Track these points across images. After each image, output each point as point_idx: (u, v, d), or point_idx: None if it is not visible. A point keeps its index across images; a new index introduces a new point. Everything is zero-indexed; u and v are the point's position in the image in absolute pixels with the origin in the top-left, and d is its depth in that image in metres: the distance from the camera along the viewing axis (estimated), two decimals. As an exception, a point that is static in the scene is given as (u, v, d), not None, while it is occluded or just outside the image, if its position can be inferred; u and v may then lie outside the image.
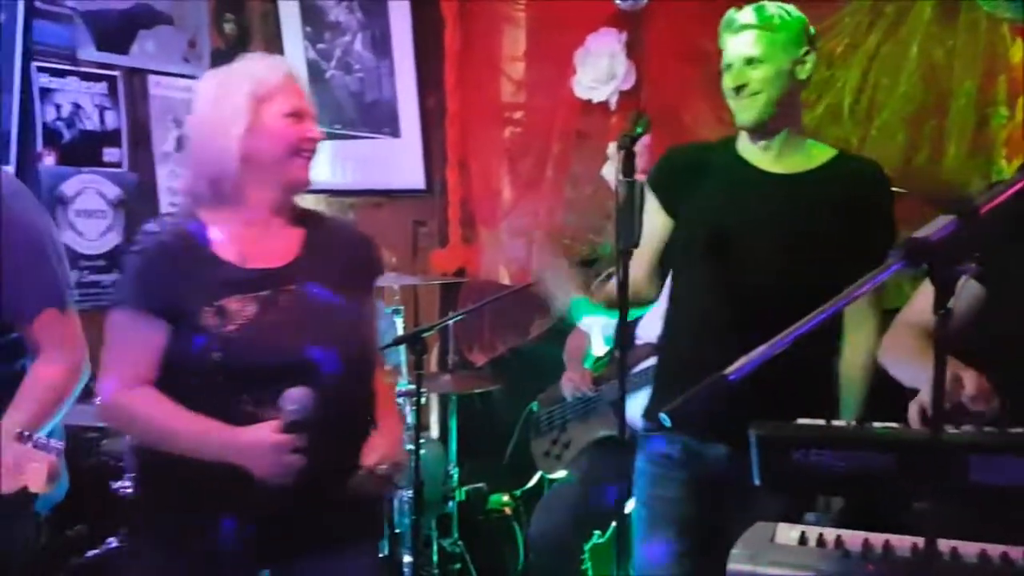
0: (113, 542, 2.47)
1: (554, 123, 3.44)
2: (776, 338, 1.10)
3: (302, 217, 1.73)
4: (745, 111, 1.90)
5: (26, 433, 1.45)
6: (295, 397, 1.52)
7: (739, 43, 1.89)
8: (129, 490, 2.50)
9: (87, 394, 3.01)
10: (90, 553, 2.45)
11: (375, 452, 1.65)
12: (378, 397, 1.76)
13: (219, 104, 1.64)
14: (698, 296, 1.96)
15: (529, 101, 3.55)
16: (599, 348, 2.96)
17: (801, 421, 1.31)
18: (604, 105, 3.37)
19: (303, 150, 1.66)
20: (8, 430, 1.49)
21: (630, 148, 1.67)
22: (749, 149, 1.96)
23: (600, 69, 3.35)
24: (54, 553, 2.63)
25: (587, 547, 2.95)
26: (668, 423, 1.19)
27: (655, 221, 1.99)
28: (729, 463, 1.86)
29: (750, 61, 1.88)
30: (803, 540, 1.34)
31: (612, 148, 3.18)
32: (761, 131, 1.92)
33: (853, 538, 1.33)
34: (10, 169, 3.06)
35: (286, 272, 1.65)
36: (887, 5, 2.73)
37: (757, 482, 1.23)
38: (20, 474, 1.42)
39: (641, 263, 2.00)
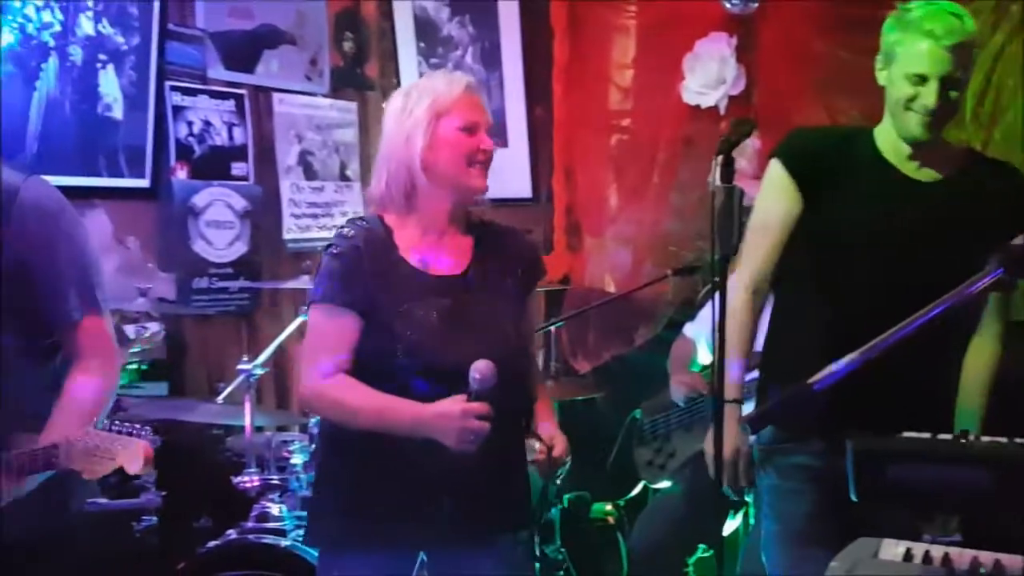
0: (232, 534, 2.60)
1: (661, 130, 3.43)
2: (866, 346, 1.07)
3: (472, 224, 1.86)
4: (925, 129, 1.79)
5: (116, 422, 1.56)
6: (482, 368, 1.65)
7: (943, 58, 1.74)
8: (256, 483, 2.64)
9: (212, 393, 3.21)
10: (211, 544, 2.58)
11: (555, 440, 1.81)
12: (540, 399, 1.91)
13: (402, 120, 1.79)
14: (825, 303, 1.85)
15: (636, 108, 3.54)
16: (704, 356, 2.92)
17: (906, 434, 1.27)
18: (713, 110, 3.33)
19: (476, 160, 1.78)
20: (65, 431, 1.59)
21: (729, 153, 1.65)
22: (893, 150, 1.86)
23: (709, 74, 3.31)
24: (179, 544, 2.80)
25: (691, 560, 2.91)
26: (748, 432, 1.16)
27: (783, 204, 1.87)
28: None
29: (951, 81, 1.76)
30: (908, 556, 1.28)
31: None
32: (928, 144, 1.82)
33: (961, 556, 1.26)
34: (145, 182, 3.28)
35: (463, 281, 1.79)
36: (1012, 4, 2.59)
37: (853, 497, 1.19)
38: (111, 459, 1.52)
39: (763, 256, 1.88)
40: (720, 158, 1.63)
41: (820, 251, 1.86)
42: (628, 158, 3.53)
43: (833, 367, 1.07)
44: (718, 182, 1.63)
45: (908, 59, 1.78)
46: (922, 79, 1.77)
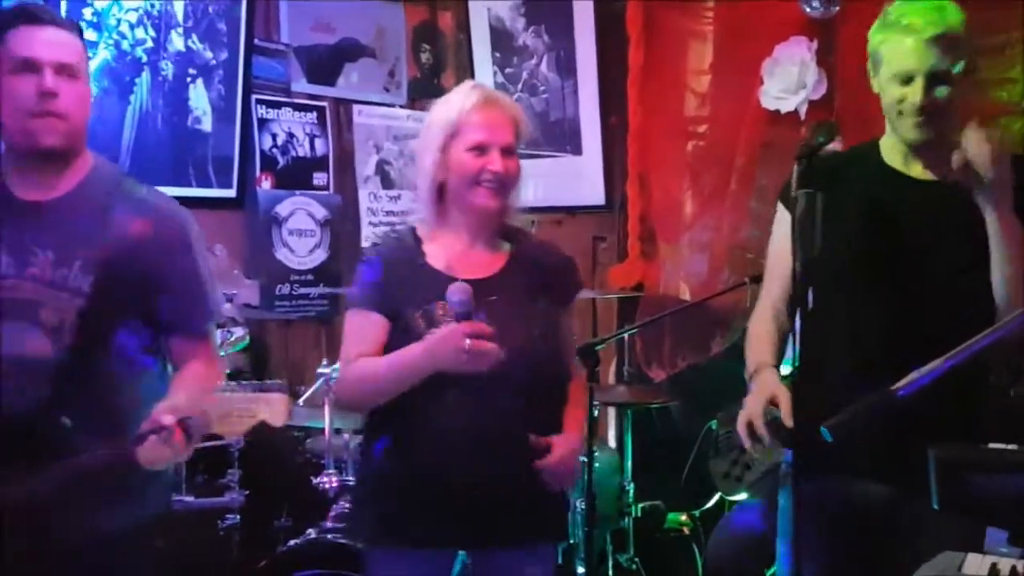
0: (312, 533, 2.66)
1: (739, 135, 3.38)
2: (951, 353, 1.03)
3: (509, 235, 1.88)
4: (920, 130, 1.73)
5: (242, 382, 1.62)
6: (455, 291, 1.69)
7: (926, 52, 1.68)
8: (335, 484, 2.70)
9: (292, 395, 3.28)
10: (291, 542, 2.65)
11: (548, 457, 1.77)
12: (567, 405, 1.89)
13: (423, 136, 1.85)
14: (850, 315, 1.81)
15: (713, 114, 3.50)
16: (783, 367, 2.86)
17: (991, 445, 1.23)
18: (793, 115, 3.27)
19: (484, 180, 1.79)
20: (170, 410, 1.59)
21: (810, 158, 1.63)
22: (896, 154, 1.82)
23: (789, 79, 3.26)
24: (261, 542, 2.88)
25: (768, 572, 2.85)
26: (829, 438, 1.14)
27: (787, 240, 1.81)
28: (889, 505, 1.70)
29: (938, 76, 1.69)
30: (994, 571, 1.24)
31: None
32: (930, 145, 1.77)
33: (1052, 574, 1.22)
34: (232, 192, 3.40)
35: (488, 284, 1.80)
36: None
37: (935, 506, 1.16)
38: (251, 416, 1.56)
39: (778, 284, 1.89)
40: (801, 163, 1.60)
41: (831, 264, 1.78)
42: (704, 164, 3.49)
43: (915, 374, 1.04)
44: (798, 188, 1.60)
45: (892, 59, 1.72)
46: (908, 78, 1.71)
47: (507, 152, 1.80)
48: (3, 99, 1.62)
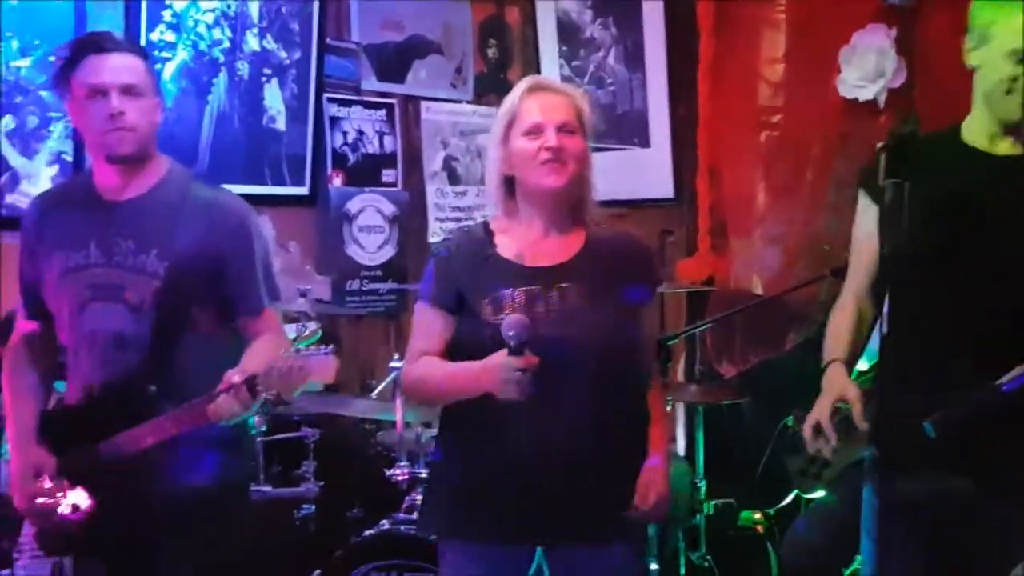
0: (385, 524, 2.69)
1: (815, 125, 3.32)
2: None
3: (584, 225, 1.88)
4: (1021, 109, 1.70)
5: (295, 348, 1.76)
6: (513, 323, 1.69)
7: None
8: (406, 476, 2.72)
9: (362, 389, 3.33)
10: (365, 533, 2.68)
11: (645, 492, 1.79)
12: (650, 424, 1.87)
13: (491, 131, 1.90)
14: (936, 303, 1.76)
15: (788, 103, 3.42)
16: (862, 363, 2.79)
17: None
18: (871, 104, 3.19)
19: (541, 159, 1.79)
20: (238, 372, 1.78)
21: (897, 147, 1.59)
22: (980, 136, 1.78)
23: (867, 66, 3.19)
24: (335, 532, 2.93)
25: (847, 572, 2.79)
26: (932, 434, 1.10)
27: (869, 227, 1.85)
28: (977, 502, 1.64)
29: None
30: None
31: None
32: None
33: None
34: (305, 190, 3.46)
35: (558, 271, 1.81)
36: None
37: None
38: (307, 374, 1.72)
39: (861, 271, 1.89)
40: (889, 152, 1.57)
41: (916, 253, 1.73)
42: (778, 155, 3.41)
43: (1019, 369, 1.00)
44: (885, 178, 1.57)
45: (1009, 36, 1.68)
46: (1002, 53, 1.68)
47: (563, 130, 1.80)
48: (83, 120, 1.91)
